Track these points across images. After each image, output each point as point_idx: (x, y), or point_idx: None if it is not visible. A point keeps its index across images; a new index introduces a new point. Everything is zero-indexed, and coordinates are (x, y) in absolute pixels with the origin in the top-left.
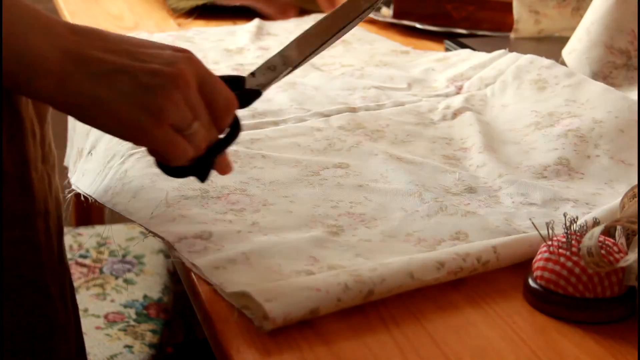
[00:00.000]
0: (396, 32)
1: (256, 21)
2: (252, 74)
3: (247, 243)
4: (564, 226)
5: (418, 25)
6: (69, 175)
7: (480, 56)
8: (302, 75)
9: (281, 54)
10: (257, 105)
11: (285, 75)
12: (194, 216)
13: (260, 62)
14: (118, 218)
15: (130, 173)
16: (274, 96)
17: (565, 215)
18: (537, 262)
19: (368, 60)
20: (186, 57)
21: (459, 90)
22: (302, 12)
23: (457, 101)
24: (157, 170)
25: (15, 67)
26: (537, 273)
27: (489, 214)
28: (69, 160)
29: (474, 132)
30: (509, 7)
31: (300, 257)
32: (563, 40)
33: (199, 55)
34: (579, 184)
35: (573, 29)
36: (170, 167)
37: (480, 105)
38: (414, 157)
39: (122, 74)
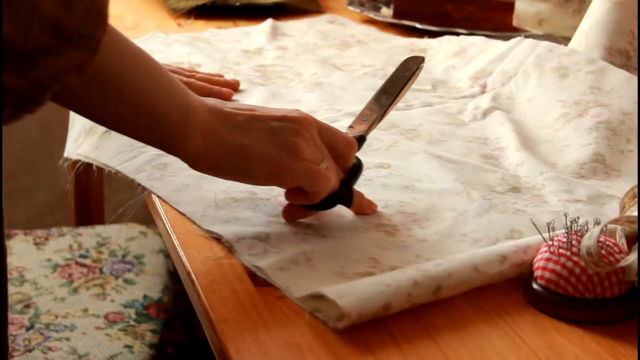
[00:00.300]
0: (396, 32)
1: (270, 21)
2: (351, 126)
3: (305, 245)
4: (564, 226)
5: (418, 25)
6: (66, 151)
7: (497, 45)
8: (326, 75)
9: (367, 107)
10: (290, 106)
11: (376, 125)
12: (247, 218)
13: (280, 62)
14: (118, 218)
15: (171, 168)
16: (302, 97)
17: (566, 215)
18: (538, 262)
19: (387, 60)
20: (302, 111)
21: (483, 89)
22: (303, 12)
23: (484, 101)
24: (201, 174)
25: (175, 120)
26: (538, 273)
27: (538, 212)
28: (69, 139)
29: (507, 131)
30: (509, 7)
31: (361, 258)
32: (563, 41)
33: (218, 56)
34: (618, 183)
35: (574, 28)
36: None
37: (508, 104)
38: (453, 155)
39: (257, 122)
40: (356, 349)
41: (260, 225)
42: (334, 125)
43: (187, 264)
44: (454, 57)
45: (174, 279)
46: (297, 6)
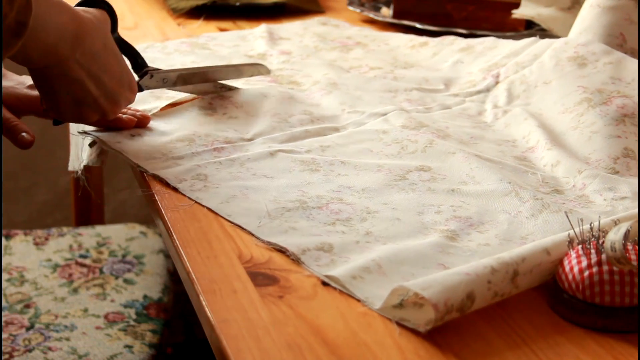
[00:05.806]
0: (396, 32)
1: (264, 26)
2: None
3: (371, 253)
4: (589, 230)
5: (418, 25)
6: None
7: (509, 44)
8: (338, 76)
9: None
10: (312, 109)
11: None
12: (304, 228)
13: (287, 66)
14: (118, 218)
15: (212, 179)
16: (321, 99)
17: (599, 217)
18: (569, 268)
19: (394, 62)
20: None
21: (497, 79)
22: (303, 12)
23: (501, 95)
24: (244, 184)
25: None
26: (571, 281)
27: (588, 214)
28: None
29: (532, 128)
30: (509, 7)
31: (429, 264)
32: None
33: (222, 62)
34: None
35: (571, 27)
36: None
37: (524, 92)
38: (489, 156)
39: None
40: (357, 348)
41: (319, 235)
42: (363, 129)
43: (187, 264)
44: (461, 52)
45: (174, 279)
46: (297, 6)
